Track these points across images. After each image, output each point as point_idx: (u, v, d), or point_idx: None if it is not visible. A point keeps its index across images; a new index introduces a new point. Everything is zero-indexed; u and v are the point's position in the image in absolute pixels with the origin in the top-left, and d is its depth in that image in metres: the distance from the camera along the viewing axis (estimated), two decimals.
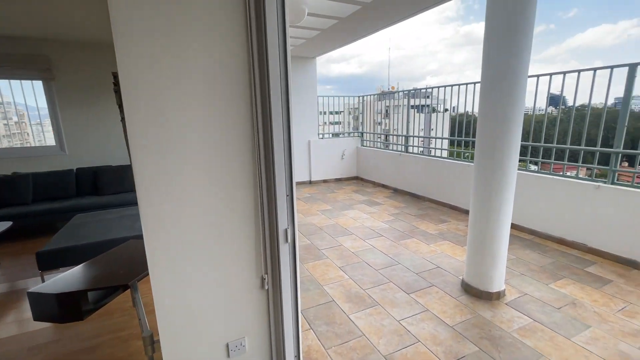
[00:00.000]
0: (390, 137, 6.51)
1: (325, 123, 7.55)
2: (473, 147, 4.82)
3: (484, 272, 2.43)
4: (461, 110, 4.65)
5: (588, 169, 3.40)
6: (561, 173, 3.50)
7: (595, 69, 3.14)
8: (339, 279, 2.77)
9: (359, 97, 7.24)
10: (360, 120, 7.25)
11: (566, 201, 3.32)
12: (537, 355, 1.84)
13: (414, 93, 6.06)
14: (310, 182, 6.71)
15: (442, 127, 6.31)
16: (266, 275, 1.44)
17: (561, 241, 3.38)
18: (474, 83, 4.26)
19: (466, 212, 4.44)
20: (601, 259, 3.01)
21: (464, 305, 2.34)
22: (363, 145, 7.03)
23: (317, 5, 3.51)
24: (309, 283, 2.70)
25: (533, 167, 4.03)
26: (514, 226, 3.55)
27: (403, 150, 5.89)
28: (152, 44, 1.07)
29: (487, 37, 2.22)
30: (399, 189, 5.84)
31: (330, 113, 7.37)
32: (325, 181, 6.82)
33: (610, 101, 3.20)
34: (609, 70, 3.01)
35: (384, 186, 6.22)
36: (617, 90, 3.23)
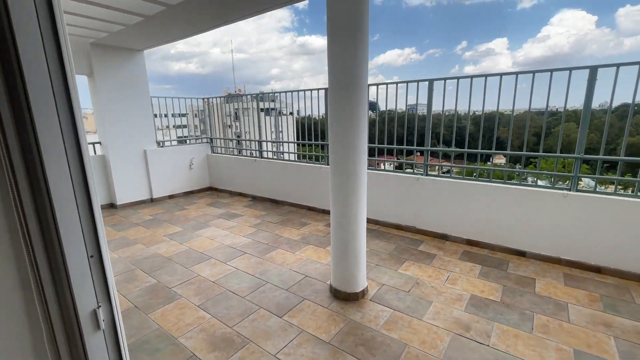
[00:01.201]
0: (243, 142, 6.19)
1: (168, 127, 6.43)
2: (322, 149, 5.12)
3: (349, 274, 2.49)
4: (304, 113, 4.83)
5: (409, 164, 4.12)
6: (392, 169, 4.11)
7: (407, 82, 3.80)
8: (199, 321, 2.27)
9: (204, 99, 6.55)
10: (209, 124, 6.59)
11: (397, 192, 3.91)
12: (403, 346, 1.98)
13: (262, 96, 5.94)
14: (152, 200, 5.58)
15: (289, 130, 6.48)
16: None
17: (398, 227, 3.98)
18: (318, 89, 4.50)
19: (323, 212, 4.66)
20: (426, 237, 3.69)
21: (336, 314, 2.32)
22: (214, 152, 6.41)
23: None
24: (157, 340, 2.08)
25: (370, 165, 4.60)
26: None
27: (257, 155, 5.68)
28: None
29: (330, 50, 2.25)
30: (257, 196, 5.61)
31: (173, 115, 6.32)
32: (171, 197, 5.83)
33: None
34: (416, 83, 3.71)
35: (241, 194, 5.85)
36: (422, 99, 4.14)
